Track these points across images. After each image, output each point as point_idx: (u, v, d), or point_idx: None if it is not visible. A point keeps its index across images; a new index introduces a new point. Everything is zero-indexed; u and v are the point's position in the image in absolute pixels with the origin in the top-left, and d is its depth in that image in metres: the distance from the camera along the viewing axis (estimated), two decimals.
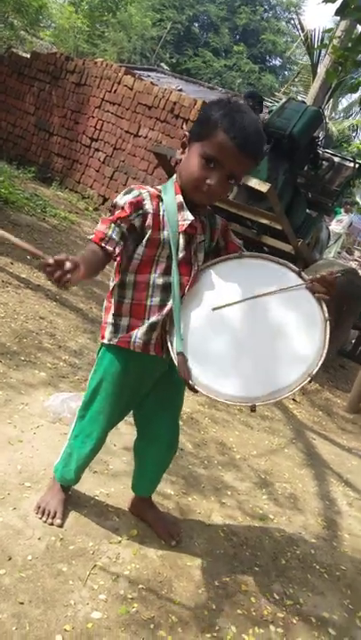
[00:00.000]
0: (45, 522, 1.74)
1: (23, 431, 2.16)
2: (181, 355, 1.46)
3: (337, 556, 2.25)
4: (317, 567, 2.11)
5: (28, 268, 3.93)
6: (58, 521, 1.75)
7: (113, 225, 1.42)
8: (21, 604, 1.45)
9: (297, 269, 1.51)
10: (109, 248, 1.41)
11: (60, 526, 1.75)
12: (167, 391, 1.71)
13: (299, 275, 1.50)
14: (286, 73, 25.11)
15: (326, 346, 1.43)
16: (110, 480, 2.08)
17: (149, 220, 1.46)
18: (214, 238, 1.61)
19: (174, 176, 1.53)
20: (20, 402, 2.34)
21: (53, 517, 1.75)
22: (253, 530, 2.17)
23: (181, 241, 1.49)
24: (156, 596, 1.65)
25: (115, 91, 7.30)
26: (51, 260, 1.18)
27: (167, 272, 1.49)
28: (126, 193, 1.47)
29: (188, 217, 1.48)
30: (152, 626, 1.54)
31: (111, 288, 1.58)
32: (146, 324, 1.52)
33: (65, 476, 1.80)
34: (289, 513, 2.41)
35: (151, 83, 7.36)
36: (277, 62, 25.90)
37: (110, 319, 1.58)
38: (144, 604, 1.60)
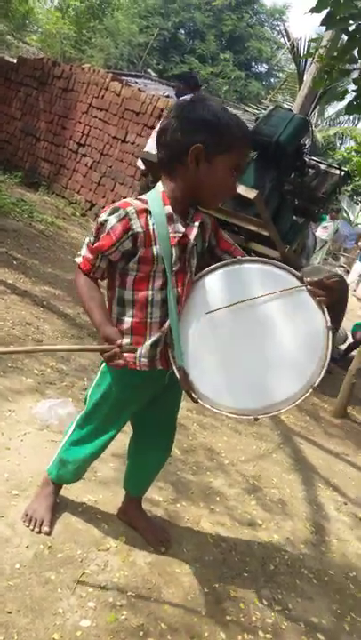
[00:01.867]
0: (33, 530, 1.73)
1: (10, 438, 2.14)
2: (182, 369, 1.47)
3: (325, 561, 2.26)
4: (306, 572, 2.12)
5: (15, 274, 3.91)
6: (46, 529, 1.74)
7: (100, 256, 1.47)
8: (9, 613, 1.44)
9: (298, 274, 1.47)
10: (97, 276, 1.52)
11: (48, 534, 1.74)
12: (165, 396, 1.71)
13: (300, 279, 1.46)
14: (272, 80, 25.35)
15: (329, 356, 1.41)
16: (98, 487, 2.07)
17: (140, 239, 1.43)
18: (206, 238, 1.59)
19: (159, 186, 1.49)
20: (7, 409, 2.32)
21: (41, 525, 1.74)
22: (242, 536, 2.18)
23: (175, 253, 1.46)
24: (145, 603, 1.65)
25: (102, 96, 7.31)
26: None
27: (165, 287, 1.48)
28: (111, 213, 1.42)
29: (180, 229, 1.46)
30: (141, 633, 1.54)
31: (108, 305, 1.55)
32: (148, 343, 1.51)
33: (62, 477, 1.80)
34: (277, 518, 2.41)
35: (138, 89, 7.38)
36: (263, 69, 26.13)
37: None
38: (133, 611, 1.60)
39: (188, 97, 4.93)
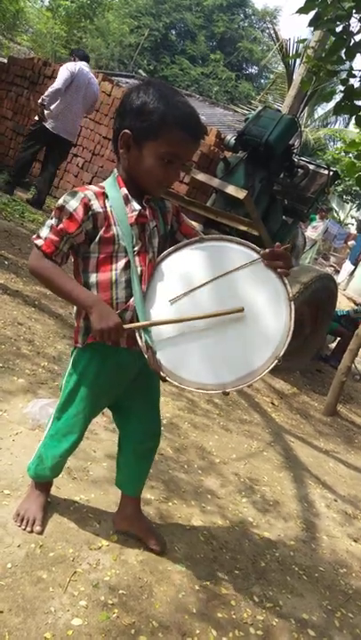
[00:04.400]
0: (25, 529, 1.73)
1: (2, 438, 2.14)
2: (150, 348, 1.48)
3: (316, 557, 2.28)
4: (296, 569, 2.14)
5: (6, 274, 3.90)
6: (37, 528, 1.74)
7: (66, 238, 1.45)
8: (1, 612, 1.44)
9: (258, 248, 1.50)
10: (58, 260, 1.49)
11: (40, 533, 1.74)
12: (142, 385, 1.71)
13: (260, 254, 1.49)
14: (263, 81, 25.45)
15: (292, 327, 1.44)
16: (90, 486, 2.08)
17: (100, 219, 1.46)
18: (168, 221, 1.62)
19: (114, 172, 1.52)
20: None
21: (33, 524, 1.74)
22: (233, 533, 2.19)
23: (135, 233, 1.49)
24: (136, 601, 1.65)
25: None
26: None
27: (128, 267, 1.49)
28: (70, 195, 1.44)
29: (136, 207, 1.49)
30: (133, 631, 1.54)
31: None
32: None
33: (39, 473, 1.79)
34: (268, 516, 2.43)
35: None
36: (254, 70, 26.22)
37: (82, 323, 1.58)
38: (125, 609, 1.60)
39: (74, 63, 5.23)
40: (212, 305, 1.49)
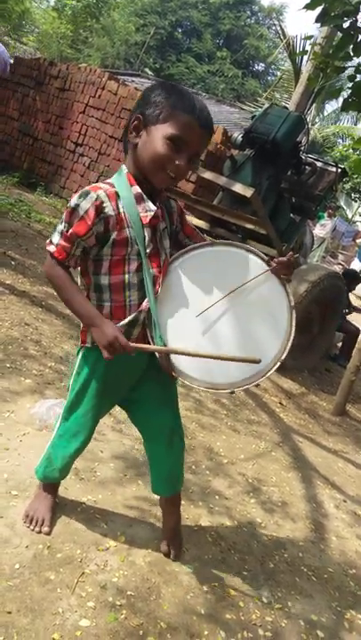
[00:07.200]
0: (33, 530, 1.73)
1: (9, 439, 2.14)
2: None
3: (325, 558, 2.26)
4: (305, 570, 2.12)
5: (13, 274, 3.90)
6: (45, 529, 1.74)
7: (77, 243, 1.44)
8: (9, 613, 1.44)
9: (265, 257, 1.55)
10: (71, 265, 1.49)
11: (48, 534, 1.74)
12: (157, 386, 1.69)
13: (267, 263, 1.55)
14: (270, 78, 25.32)
15: (293, 332, 1.54)
16: (98, 487, 2.07)
17: (112, 222, 1.44)
18: (174, 222, 1.62)
19: (123, 167, 1.50)
20: (6, 409, 2.32)
21: (41, 525, 1.74)
22: (241, 534, 2.18)
23: (147, 234, 1.48)
24: (144, 602, 1.65)
25: (99, 96, 7.30)
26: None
27: (140, 269, 1.49)
28: (82, 197, 1.41)
29: (151, 207, 1.47)
30: (141, 632, 1.54)
31: (86, 292, 1.55)
32: (125, 322, 1.51)
33: (48, 475, 1.79)
34: (277, 517, 2.42)
35: (135, 88, 7.37)
36: (261, 67, 26.10)
37: None
38: (132, 610, 1.60)
39: None
40: (217, 311, 1.56)
